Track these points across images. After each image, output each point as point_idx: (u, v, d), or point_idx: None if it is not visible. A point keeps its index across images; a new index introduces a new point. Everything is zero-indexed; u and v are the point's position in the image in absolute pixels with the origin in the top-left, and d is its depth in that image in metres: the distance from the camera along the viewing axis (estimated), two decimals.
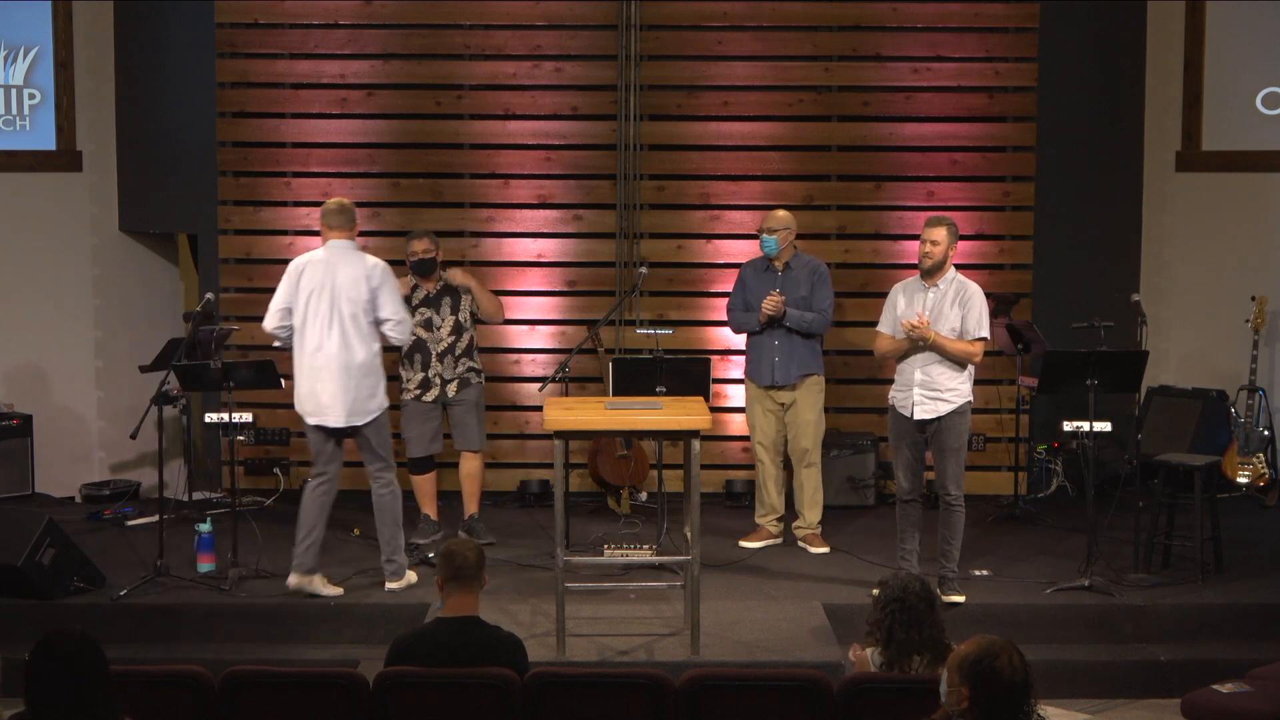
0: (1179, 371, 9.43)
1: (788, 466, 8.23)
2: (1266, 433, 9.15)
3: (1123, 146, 9.51)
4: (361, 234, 9.28)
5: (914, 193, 9.33)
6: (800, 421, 8.00)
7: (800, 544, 8.04)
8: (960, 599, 6.95)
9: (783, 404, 8.02)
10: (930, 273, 7.07)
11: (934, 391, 7.02)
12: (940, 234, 7.05)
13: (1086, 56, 9.43)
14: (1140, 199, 9.57)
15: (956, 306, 7.03)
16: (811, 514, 8.07)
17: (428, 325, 8.00)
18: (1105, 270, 9.39)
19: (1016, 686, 3.87)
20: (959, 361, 7.02)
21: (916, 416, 7.03)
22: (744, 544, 8.12)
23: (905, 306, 7.13)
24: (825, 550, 7.97)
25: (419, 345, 8.00)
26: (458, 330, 8.02)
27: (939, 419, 7.00)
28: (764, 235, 7.99)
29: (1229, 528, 7.77)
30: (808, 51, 9.31)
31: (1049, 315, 9.07)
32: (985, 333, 7.08)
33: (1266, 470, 9.07)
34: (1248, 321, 9.17)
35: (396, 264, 9.26)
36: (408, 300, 7.95)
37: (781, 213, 8.09)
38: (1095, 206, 9.46)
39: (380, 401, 7.03)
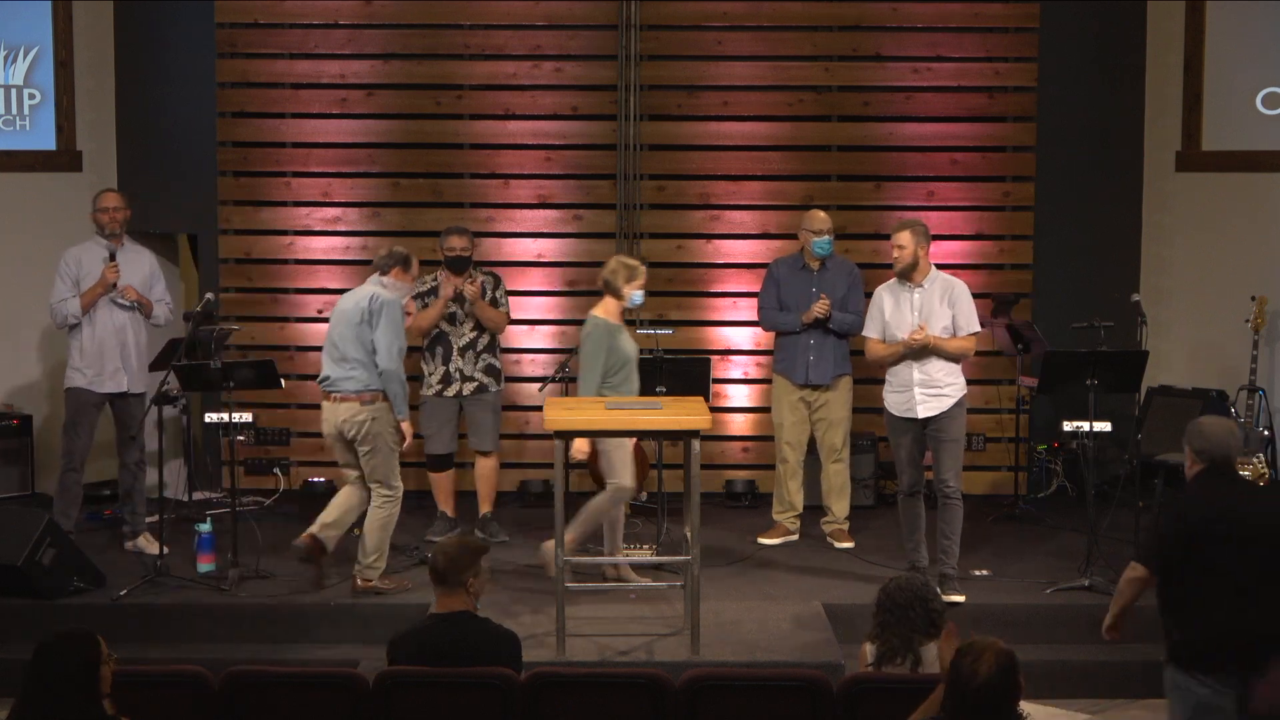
0: (1179, 371, 9.42)
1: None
2: (1266, 433, 9.13)
3: (1123, 146, 9.50)
4: (361, 234, 9.38)
5: (914, 193, 9.33)
6: (834, 419, 8.04)
7: (829, 539, 8.07)
8: (960, 599, 6.95)
9: (812, 403, 8.05)
10: (906, 274, 7.08)
11: (934, 389, 7.05)
12: (904, 238, 7.07)
13: (1086, 56, 9.42)
14: (1140, 199, 9.56)
15: (946, 305, 7.07)
16: (839, 508, 8.09)
17: (452, 319, 7.98)
18: (1105, 270, 9.38)
19: (988, 690, 3.87)
20: (956, 359, 7.05)
21: (920, 415, 7.05)
22: (762, 540, 8.13)
23: (893, 308, 7.15)
24: (850, 545, 7.99)
25: (441, 339, 7.99)
26: (481, 326, 8.01)
27: (942, 413, 7.03)
28: (821, 237, 7.94)
29: None
30: (808, 51, 9.31)
31: (1049, 315, 9.07)
32: (978, 326, 7.12)
33: (1266, 470, 9.03)
34: (1248, 321, 9.16)
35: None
36: (434, 292, 7.96)
37: (822, 213, 8.10)
38: (1095, 206, 9.46)
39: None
